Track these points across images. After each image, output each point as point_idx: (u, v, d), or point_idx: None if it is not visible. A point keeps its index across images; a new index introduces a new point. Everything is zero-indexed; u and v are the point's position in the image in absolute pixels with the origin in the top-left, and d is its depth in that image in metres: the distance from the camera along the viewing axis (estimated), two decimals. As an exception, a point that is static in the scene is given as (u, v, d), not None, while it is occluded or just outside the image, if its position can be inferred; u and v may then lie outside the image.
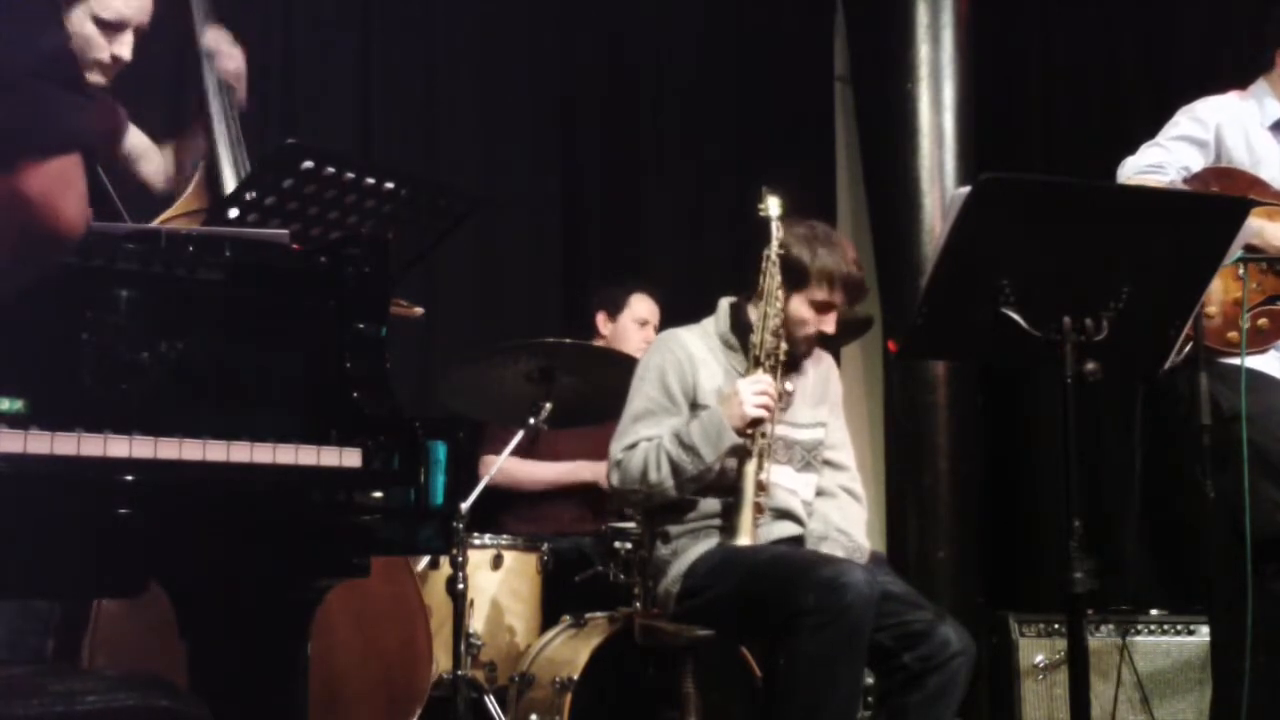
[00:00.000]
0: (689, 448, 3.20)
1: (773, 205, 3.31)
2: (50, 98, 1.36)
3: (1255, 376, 3.30)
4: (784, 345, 3.29)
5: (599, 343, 4.50)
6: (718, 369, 3.36)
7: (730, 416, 3.19)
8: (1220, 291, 3.31)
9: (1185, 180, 3.41)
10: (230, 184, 2.73)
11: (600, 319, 4.60)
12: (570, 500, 4.44)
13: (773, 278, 3.28)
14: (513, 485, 4.31)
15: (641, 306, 4.58)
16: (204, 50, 2.85)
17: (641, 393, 3.35)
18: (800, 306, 3.31)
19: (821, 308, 3.32)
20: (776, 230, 3.30)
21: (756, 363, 3.27)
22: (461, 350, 4.15)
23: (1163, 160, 3.42)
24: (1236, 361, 3.25)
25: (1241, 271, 3.27)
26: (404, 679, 3.26)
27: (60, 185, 1.35)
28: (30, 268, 1.45)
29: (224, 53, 2.88)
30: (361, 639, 3.10)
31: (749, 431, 3.21)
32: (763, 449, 3.23)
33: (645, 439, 3.27)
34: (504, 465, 3.89)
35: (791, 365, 3.38)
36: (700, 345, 3.39)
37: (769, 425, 3.24)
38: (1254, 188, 3.36)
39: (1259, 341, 3.34)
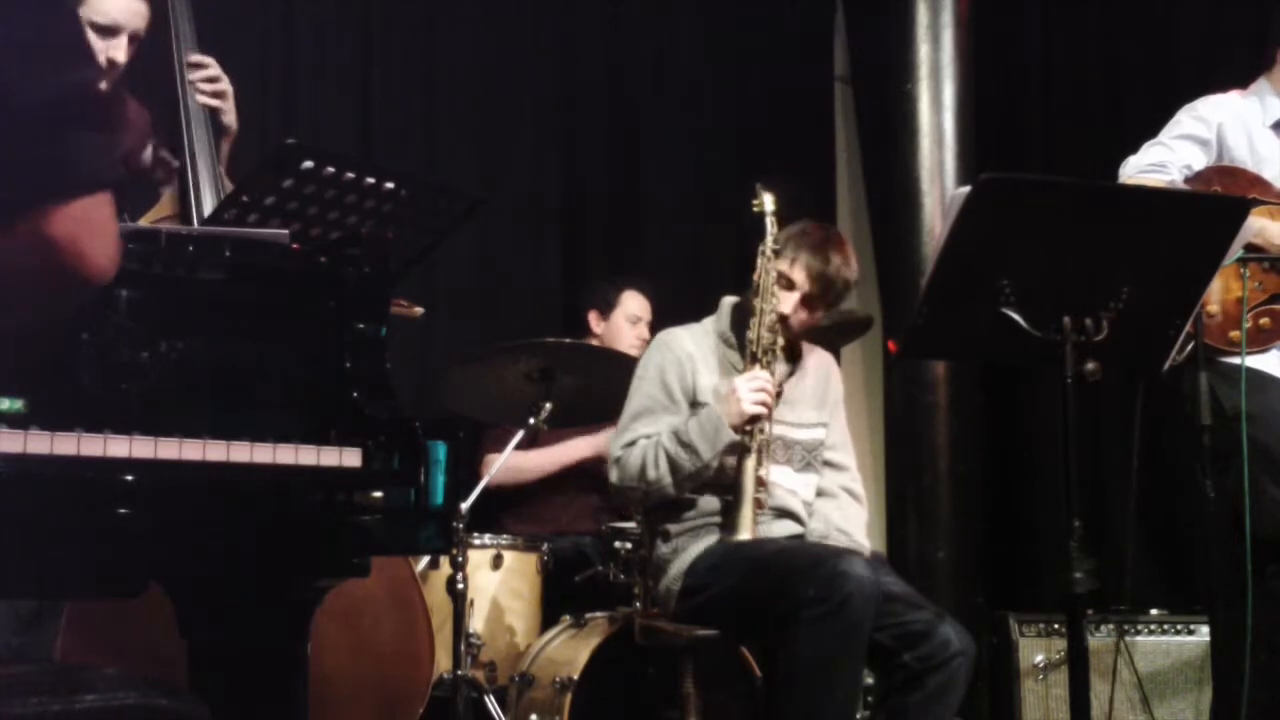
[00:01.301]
0: (687, 445, 3.20)
1: (767, 201, 3.32)
2: (77, 138, 1.31)
3: (1257, 376, 3.30)
4: (781, 341, 3.29)
5: (592, 341, 4.50)
6: (717, 367, 3.36)
7: (728, 414, 3.19)
8: (1222, 290, 3.30)
9: (1187, 179, 3.40)
10: (208, 202, 2.69)
11: (593, 317, 4.60)
12: (570, 499, 4.43)
13: (768, 274, 3.29)
14: (517, 479, 4.28)
15: (633, 303, 4.58)
16: (183, 72, 2.79)
17: (641, 391, 3.35)
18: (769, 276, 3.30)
19: (783, 282, 3.31)
20: (771, 226, 3.30)
21: (753, 359, 3.28)
22: (461, 350, 4.15)
23: (1165, 159, 3.42)
24: (1238, 361, 3.25)
25: (1244, 271, 3.27)
26: (401, 680, 3.26)
27: (87, 229, 1.30)
28: (57, 310, 1.41)
29: (205, 75, 2.81)
30: (355, 639, 3.10)
31: (747, 428, 3.21)
32: (762, 445, 3.24)
33: (644, 436, 3.27)
34: (505, 461, 3.88)
35: (792, 365, 3.38)
36: (699, 344, 3.39)
37: (767, 422, 3.24)
38: (1255, 187, 3.36)
39: (1260, 341, 3.34)
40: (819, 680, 2.95)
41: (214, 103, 2.79)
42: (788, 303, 3.30)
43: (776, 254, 3.29)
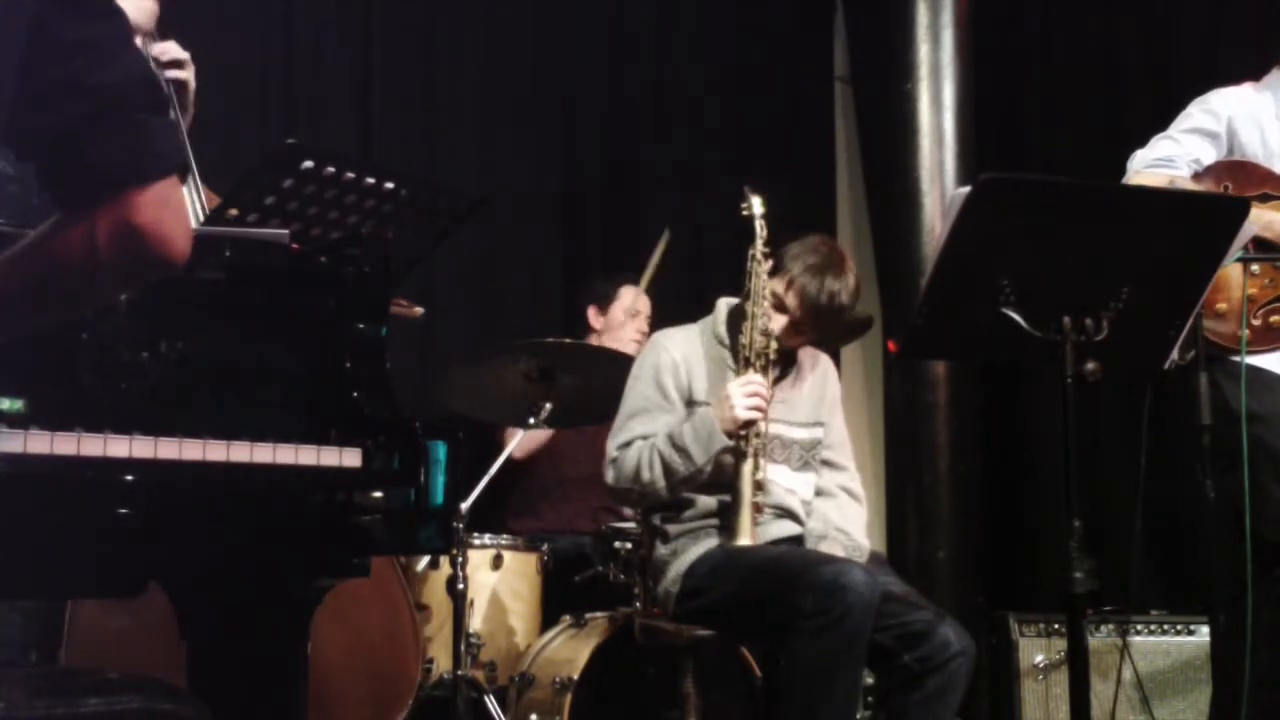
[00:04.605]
0: (681, 449, 3.20)
1: (755, 204, 3.33)
2: (145, 123, 1.35)
3: (1268, 376, 3.26)
4: (774, 345, 3.29)
5: (592, 337, 4.52)
6: (712, 369, 3.36)
7: (722, 419, 3.19)
8: (1235, 288, 3.27)
9: (1197, 174, 3.34)
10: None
11: (591, 313, 4.61)
12: (570, 499, 4.44)
13: (758, 277, 3.29)
14: (535, 446, 4.32)
15: (630, 297, 4.60)
16: (152, 59, 2.74)
17: (636, 391, 3.35)
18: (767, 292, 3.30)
19: (774, 301, 3.31)
20: (760, 229, 3.31)
21: (746, 363, 3.28)
22: (461, 350, 4.14)
23: (1173, 153, 3.36)
24: (1249, 360, 3.23)
25: (1255, 269, 3.24)
26: (391, 673, 3.26)
27: (166, 211, 1.34)
28: (133, 287, 1.44)
29: (173, 60, 2.75)
30: (345, 635, 3.10)
31: (742, 432, 3.20)
32: (758, 449, 3.23)
33: (640, 437, 3.27)
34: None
35: (787, 365, 3.38)
36: (694, 345, 3.39)
37: (762, 425, 3.24)
38: (1268, 182, 3.31)
39: (1270, 339, 3.28)
40: (819, 683, 2.95)
41: (183, 75, 2.67)
42: (777, 323, 3.31)
43: (774, 271, 3.29)
